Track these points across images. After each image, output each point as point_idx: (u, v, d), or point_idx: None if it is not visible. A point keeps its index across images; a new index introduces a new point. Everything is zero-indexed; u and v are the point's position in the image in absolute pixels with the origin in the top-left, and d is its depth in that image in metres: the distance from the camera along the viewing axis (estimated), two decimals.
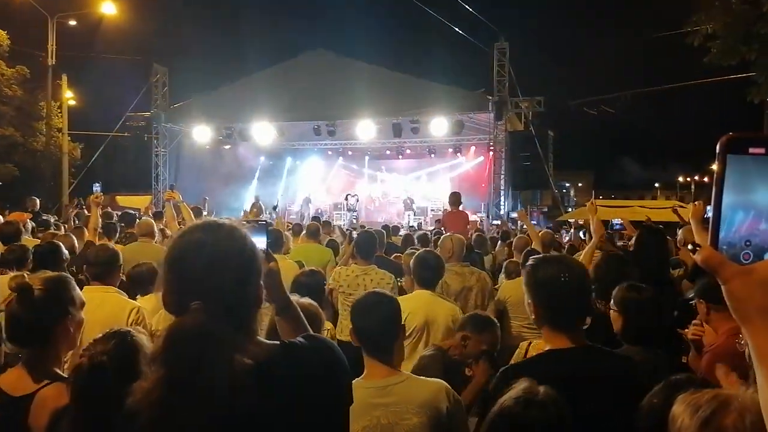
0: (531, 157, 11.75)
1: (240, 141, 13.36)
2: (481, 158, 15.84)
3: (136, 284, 2.51)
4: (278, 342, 0.89)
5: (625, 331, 1.77)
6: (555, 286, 1.29)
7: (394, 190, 17.89)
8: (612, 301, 1.84)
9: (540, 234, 4.21)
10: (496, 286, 3.39)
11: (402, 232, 8.36)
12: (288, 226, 6.46)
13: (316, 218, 7.37)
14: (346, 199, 14.45)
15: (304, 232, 4.75)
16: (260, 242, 0.98)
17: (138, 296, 2.46)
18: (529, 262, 1.35)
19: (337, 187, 17.45)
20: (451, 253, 3.14)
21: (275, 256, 1.06)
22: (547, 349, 1.30)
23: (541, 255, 1.40)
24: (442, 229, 6.07)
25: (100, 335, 1.14)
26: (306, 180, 17.45)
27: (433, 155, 16.04)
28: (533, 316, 1.33)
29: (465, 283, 3.07)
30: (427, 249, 2.86)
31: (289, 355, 0.84)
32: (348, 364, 0.90)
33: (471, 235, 5.82)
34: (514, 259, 3.95)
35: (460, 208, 6.27)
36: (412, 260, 2.60)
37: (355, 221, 7.05)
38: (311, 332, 0.99)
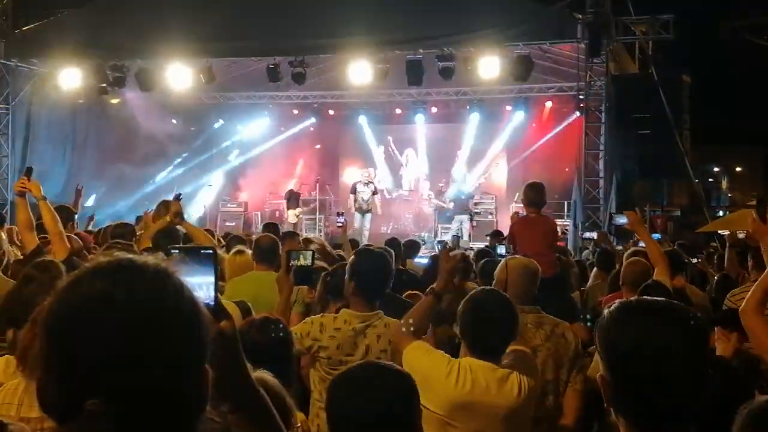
0: (651, 121, 11.82)
1: (137, 91, 13.49)
2: (564, 123, 16.00)
3: None
4: None
5: None
6: (644, 359, 1.28)
7: (410, 177, 18.19)
8: None
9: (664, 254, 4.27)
10: (589, 349, 3.48)
11: (425, 253, 8.46)
12: (219, 239, 6.62)
13: (270, 226, 7.49)
14: (354, 191, 14.52)
15: (247, 250, 4.90)
16: (205, 286, 1.04)
17: None
18: (609, 309, 1.38)
19: (308, 173, 17.80)
20: (504, 287, 3.26)
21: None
22: None
23: (626, 300, 1.42)
24: (510, 247, 6.15)
25: None
26: (253, 158, 17.80)
27: (477, 115, 16.37)
28: (606, 404, 1.36)
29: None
30: (488, 288, 2.94)
31: None
32: None
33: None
34: (624, 299, 3.96)
35: (542, 211, 6.40)
36: (460, 307, 2.68)
37: (339, 225, 7.17)
38: None
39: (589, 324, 3.63)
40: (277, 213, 16.12)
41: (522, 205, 6.60)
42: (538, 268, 3.54)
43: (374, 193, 14.52)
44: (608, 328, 1.35)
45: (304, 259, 3.38)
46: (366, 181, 14.46)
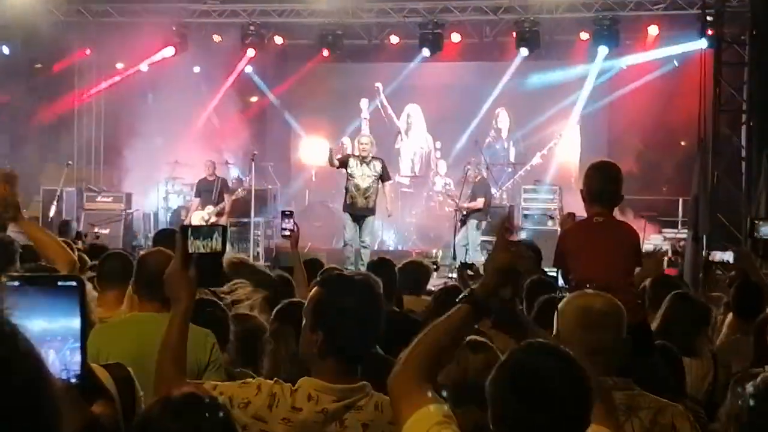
0: None
1: None
2: (672, 65, 16.11)
3: None
4: None
5: None
6: None
7: (413, 153, 18.66)
8: None
9: None
10: None
11: (437, 280, 8.39)
12: (84, 258, 6.64)
13: (165, 236, 7.54)
14: (345, 169, 13.92)
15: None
16: (66, 345, 1.09)
17: None
18: (750, 386, 1.44)
19: (237, 145, 17.83)
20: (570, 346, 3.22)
21: None
22: None
23: None
24: (558, 274, 6.24)
25: None
26: (143, 117, 17.72)
27: (529, 49, 16.45)
28: None
29: None
30: (538, 342, 2.84)
31: None
32: None
33: (645, 294, 6.02)
34: None
35: (616, 213, 6.41)
36: (492, 375, 2.64)
37: (286, 234, 7.15)
38: None
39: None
40: (184, 213, 16.08)
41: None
42: (619, 308, 3.51)
43: (381, 178, 13.57)
44: (749, 420, 1.38)
45: (214, 242, 3.29)
46: (363, 157, 13.55)
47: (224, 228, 3.34)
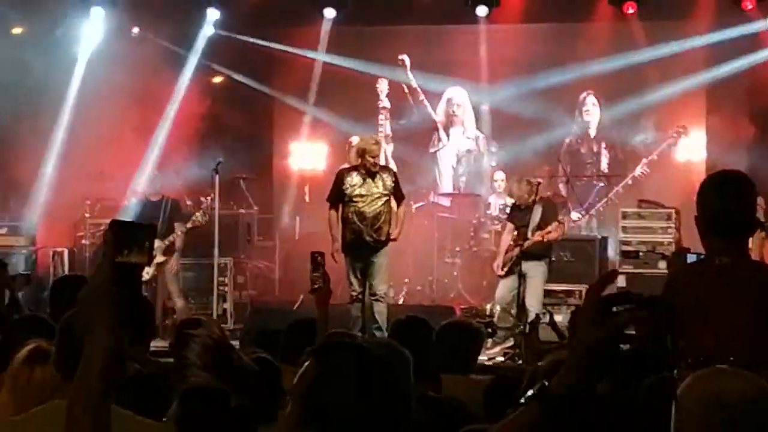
0: None
1: None
2: None
3: None
4: None
5: None
6: None
7: (455, 159, 19.15)
8: None
9: None
10: None
11: (491, 348, 8.20)
12: None
13: (68, 287, 7.87)
14: (340, 196, 13.73)
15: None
16: None
17: None
18: None
19: (196, 148, 18.14)
20: None
21: None
22: None
23: None
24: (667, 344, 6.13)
25: None
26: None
27: (625, 7, 16.96)
28: None
29: None
30: None
31: None
32: None
33: None
34: None
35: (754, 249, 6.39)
36: None
37: (317, 286, 7.32)
38: None
39: None
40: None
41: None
42: None
43: (394, 194, 13.51)
44: None
45: (143, 249, 3.17)
46: (368, 170, 13.32)
47: (153, 228, 3.33)
